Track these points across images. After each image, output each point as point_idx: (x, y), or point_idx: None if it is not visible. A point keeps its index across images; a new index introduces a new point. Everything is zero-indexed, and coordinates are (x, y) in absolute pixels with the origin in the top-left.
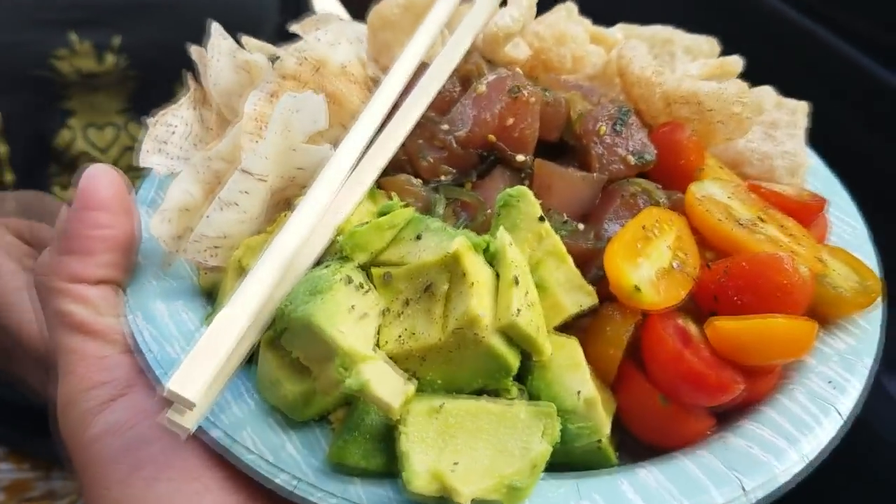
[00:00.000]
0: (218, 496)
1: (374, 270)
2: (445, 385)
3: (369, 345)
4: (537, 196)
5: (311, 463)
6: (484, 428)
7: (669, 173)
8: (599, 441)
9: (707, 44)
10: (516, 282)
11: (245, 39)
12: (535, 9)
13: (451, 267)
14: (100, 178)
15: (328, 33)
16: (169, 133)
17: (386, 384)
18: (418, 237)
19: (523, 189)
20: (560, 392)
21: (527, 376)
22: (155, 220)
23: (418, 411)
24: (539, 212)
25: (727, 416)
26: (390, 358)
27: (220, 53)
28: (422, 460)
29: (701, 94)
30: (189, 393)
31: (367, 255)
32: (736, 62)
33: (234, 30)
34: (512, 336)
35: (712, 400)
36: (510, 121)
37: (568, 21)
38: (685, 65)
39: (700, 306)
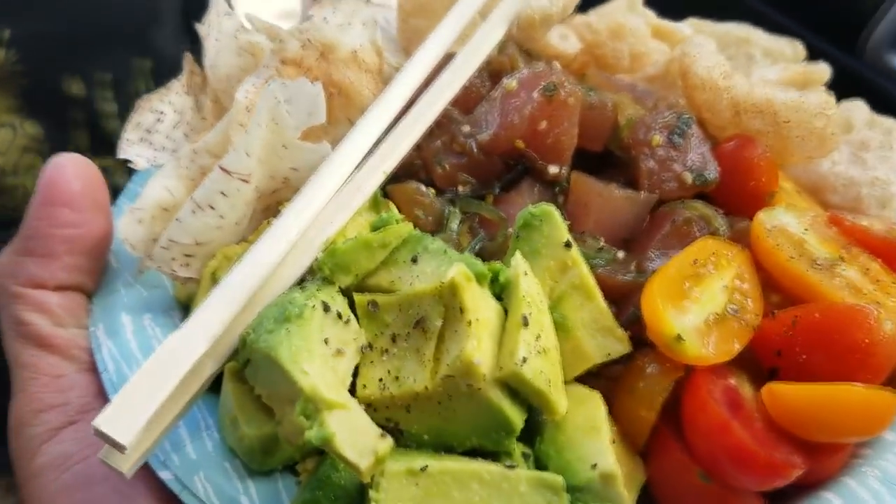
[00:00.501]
0: None
1: (359, 297)
2: (433, 441)
3: (342, 388)
4: (571, 216)
5: None
6: (473, 499)
7: (735, 196)
8: None
9: (790, 47)
10: (525, 322)
11: (249, 16)
12: None
13: (448, 299)
14: (66, 170)
15: (338, 13)
16: (155, 121)
17: (355, 439)
18: (414, 260)
19: (548, 208)
20: (573, 462)
21: (535, 437)
22: (125, 220)
23: (395, 473)
24: (565, 237)
25: (781, 498)
26: (369, 404)
27: (219, 33)
28: None
29: (777, 102)
30: (119, 433)
31: (352, 278)
32: (822, 70)
33: (129, 23)
34: (516, 388)
35: (762, 484)
36: (543, 125)
37: (628, 12)
38: (763, 69)
39: (760, 362)
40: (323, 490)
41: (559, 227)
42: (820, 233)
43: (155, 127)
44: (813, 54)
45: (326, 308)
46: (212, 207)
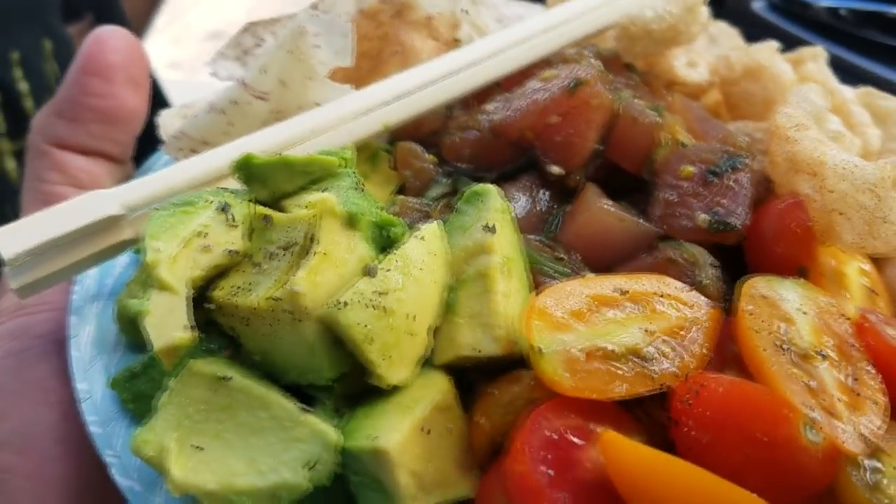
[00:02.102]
0: (54, 417)
1: (258, 209)
2: (261, 364)
3: (183, 277)
4: (564, 224)
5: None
6: (257, 425)
7: (766, 261)
8: None
9: None
10: (370, 273)
11: None
12: (698, 15)
13: (312, 228)
14: (106, 43)
15: None
16: (254, 45)
17: (165, 321)
18: (324, 191)
19: (489, 188)
20: (363, 428)
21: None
22: (170, 111)
23: (198, 371)
24: (492, 220)
25: None
26: (218, 307)
27: None
28: (166, 424)
29: (828, 165)
30: (5, 247)
31: (268, 193)
32: None
33: (29, 4)
34: (338, 335)
35: None
36: (554, 119)
37: (776, 55)
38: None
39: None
40: (147, 369)
41: (490, 210)
42: (822, 322)
43: (252, 50)
44: None
45: (224, 208)
46: (223, 112)
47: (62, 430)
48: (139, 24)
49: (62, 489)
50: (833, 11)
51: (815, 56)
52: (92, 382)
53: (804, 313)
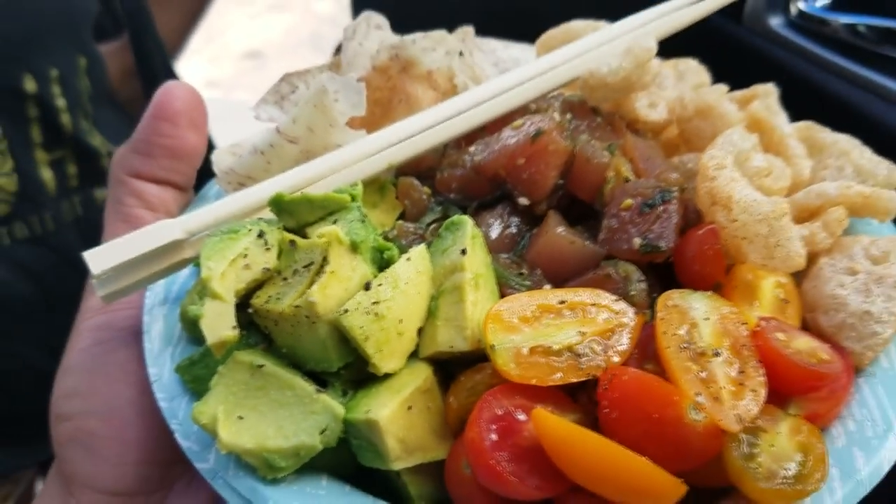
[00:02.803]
0: (133, 392)
1: (285, 235)
2: (288, 355)
3: (231, 289)
4: (530, 244)
5: (172, 370)
6: (284, 401)
7: (689, 278)
8: (398, 475)
9: (885, 170)
10: (366, 287)
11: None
12: (648, 68)
13: (326, 253)
14: (173, 93)
15: (427, 39)
16: (290, 91)
17: (216, 323)
18: (335, 222)
19: (464, 218)
20: (361, 404)
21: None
22: (222, 149)
23: (240, 360)
24: (465, 245)
25: None
26: (255, 311)
27: (364, 40)
28: (216, 400)
29: (733, 199)
30: (93, 263)
31: (294, 223)
32: (890, 198)
33: (68, 22)
34: (344, 334)
35: (492, 485)
36: (521, 161)
37: (722, 97)
38: (827, 183)
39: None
40: (206, 357)
41: (465, 236)
42: (721, 327)
43: (288, 96)
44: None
45: (260, 234)
46: (262, 153)
47: (138, 403)
48: (174, 45)
49: (138, 447)
50: (851, 28)
51: (766, 93)
52: (161, 368)
53: (707, 319)
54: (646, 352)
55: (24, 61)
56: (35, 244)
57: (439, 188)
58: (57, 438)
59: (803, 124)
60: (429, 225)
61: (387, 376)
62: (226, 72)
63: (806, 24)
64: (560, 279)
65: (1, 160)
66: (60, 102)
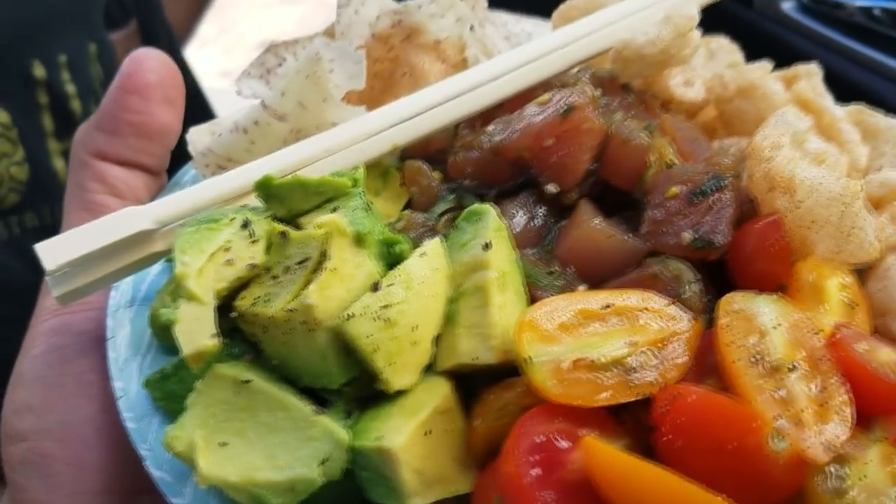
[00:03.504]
0: (93, 408)
1: (275, 226)
2: (280, 368)
3: (210, 289)
4: (558, 238)
5: (140, 383)
6: (274, 424)
7: (747, 277)
8: None
9: None
10: (375, 288)
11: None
12: (690, 39)
13: (325, 246)
14: (143, 64)
15: (435, 4)
16: (276, 63)
17: (193, 329)
18: (334, 210)
19: (486, 208)
20: (370, 430)
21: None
22: (199, 128)
23: (221, 374)
24: (488, 238)
25: None
26: (240, 315)
27: (361, 7)
28: (194, 422)
29: (797, 179)
30: (47, 259)
31: (286, 211)
32: None
33: (78, 7)
34: (347, 345)
35: None
36: (549, 142)
37: (768, 75)
38: (892, 170)
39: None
40: (179, 371)
41: (487, 228)
42: (794, 336)
43: (275, 69)
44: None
45: (245, 224)
46: (245, 132)
47: (100, 421)
48: (182, 32)
49: (99, 474)
50: (867, 11)
51: (809, 73)
52: (127, 381)
53: (777, 327)
54: (704, 365)
55: (33, 47)
56: (46, 234)
57: (452, 173)
58: (8, 461)
59: (854, 108)
60: (441, 215)
61: (398, 394)
62: (239, 62)
63: (819, 7)
64: (596, 279)
65: (11, 148)
66: (70, 89)
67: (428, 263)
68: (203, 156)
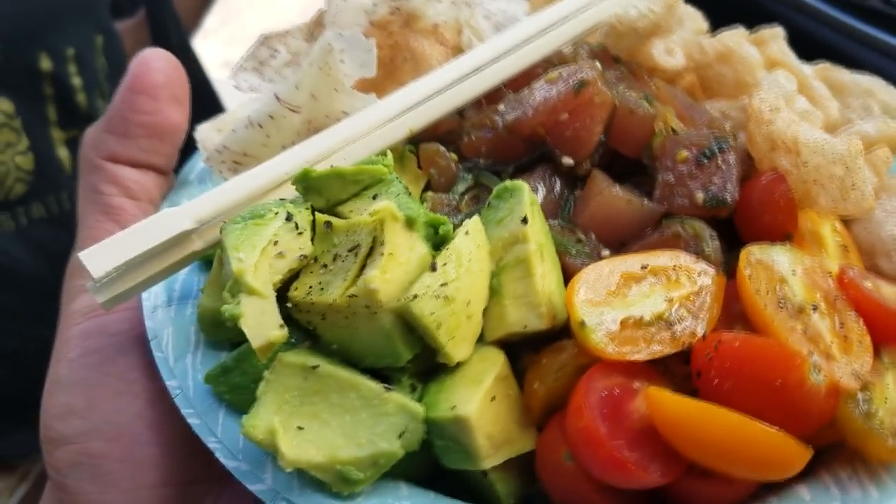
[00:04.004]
0: (140, 405)
1: (319, 216)
2: (340, 351)
3: (268, 282)
4: (576, 208)
5: (198, 380)
6: (348, 405)
7: (753, 230)
8: (485, 474)
9: None
10: (433, 268)
11: None
12: (678, 10)
13: (377, 232)
14: (151, 64)
15: None
16: (269, 56)
17: (259, 322)
18: (374, 197)
19: (519, 184)
20: (440, 401)
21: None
22: (207, 125)
23: (289, 363)
24: (525, 213)
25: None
26: (295, 305)
27: None
28: (268, 410)
29: (801, 142)
30: (93, 266)
31: (324, 202)
32: None
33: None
34: (410, 323)
35: (607, 476)
36: (563, 116)
37: (743, 40)
38: (864, 122)
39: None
40: (240, 363)
41: (522, 203)
42: (809, 279)
43: (268, 62)
44: None
45: (289, 217)
46: (260, 126)
47: (149, 417)
48: (190, 22)
49: (154, 469)
50: None
51: (774, 35)
52: (182, 379)
53: (794, 273)
54: (730, 313)
55: (41, 40)
56: (52, 224)
57: (467, 153)
58: (55, 465)
59: (820, 66)
60: (462, 195)
61: (457, 366)
62: (242, 53)
63: None
64: (616, 243)
65: (16, 138)
66: (76, 81)
67: (473, 241)
68: (218, 153)
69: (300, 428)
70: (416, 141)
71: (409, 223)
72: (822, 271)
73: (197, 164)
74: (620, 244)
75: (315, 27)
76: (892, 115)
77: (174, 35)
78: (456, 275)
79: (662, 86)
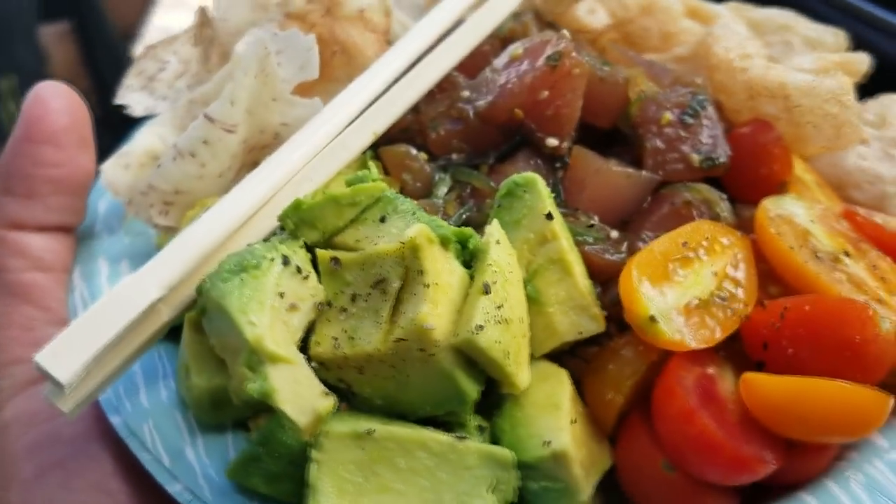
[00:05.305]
0: None
1: (321, 253)
2: (385, 406)
3: (290, 343)
4: (568, 192)
5: (211, 476)
6: (419, 467)
7: (746, 183)
8: None
9: (832, 36)
10: (487, 290)
11: None
12: None
13: (409, 261)
14: (49, 103)
15: None
16: (158, 69)
17: (298, 395)
18: (382, 220)
19: (532, 177)
20: (526, 438)
21: (493, 411)
22: (111, 164)
23: (339, 434)
24: (548, 208)
25: (755, 496)
26: (322, 363)
27: None
28: (330, 498)
29: (789, 85)
30: (59, 370)
31: (319, 234)
32: (861, 60)
33: None
34: (472, 357)
35: (727, 477)
36: (543, 94)
37: None
38: (798, 57)
39: (749, 354)
40: (267, 447)
41: (542, 198)
42: (828, 226)
43: (157, 76)
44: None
45: (286, 262)
46: (193, 155)
47: None
48: (125, 27)
49: None
50: None
51: None
52: (188, 480)
53: (812, 221)
54: (759, 274)
55: None
56: None
57: (436, 150)
58: None
59: (732, 4)
60: (446, 196)
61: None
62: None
63: None
64: (616, 221)
65: None
66: None
67: (505, 250)
68: (143, 195)
69: None
70: (372, 146)
71: (445, 243)
72: (834, 215)
73: (97, 207)
74: (622, 223)
75: (201, 29)
76: (814, 46)
77: (106, 39)
78: (505, 292)
79: (614, 48)
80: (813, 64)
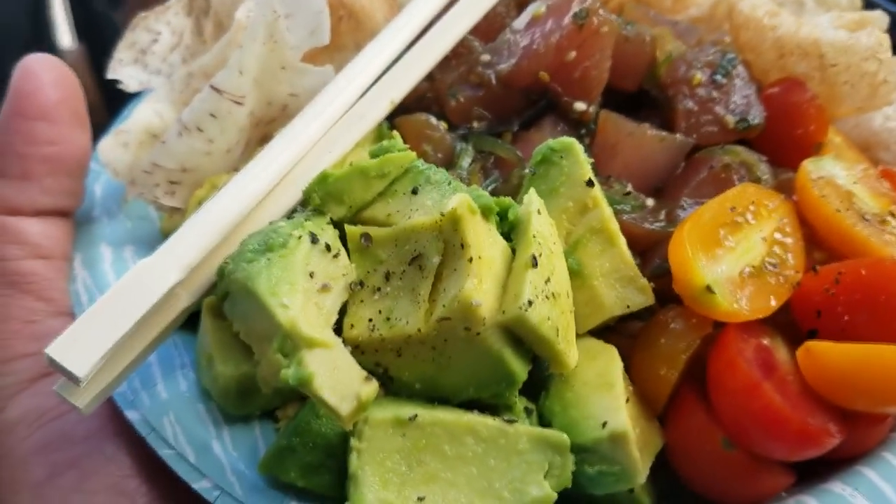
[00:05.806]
0: None
1: (351, 230)
2: (426, 390)
3: (325, 326)
4: (597, 159)
5: (240, 470)
6: (467, 454)
7: (780, 145)
8: (631, 490)
9: None
10: (534, 263)
11: None
12: None
13: (448, 234)
14: (41, 76)
15: None
16: (151, 41)
17: (337, 381)
18: (414, 191)
19: (570, 142)
20: (580, 419)
21: (540, 391)
22: (108, 143)
23: (380, 421)
24: (588, 174)
25: (811, 470)
26: (356, 346)
27: None
28: (374, 489)
29: (824, 43)
30: (74, 364)
31: (346, 209)
32: (879, 17)
33: None
34: (520, 335)
35: (793, 452)
36: (571, 55)
37: None
38: (814, 17)
39: (799, 323)
40: (301, 437)
41: (581, 164)
42: (870, 187)
43: (150, 48)
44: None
45: (314, 239)
46: (200, 130)
47: None
48: None
49: None
50: None
51: None
52: (217, 476)
53: (855, 182)
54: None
55: None
56: None
57: (456, 119)
58: None
59: None
60: (469, 167)
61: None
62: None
63: None
64: (650, 188)
65: None
66: None
67: (546, 220)
68: (147, 174)
69: (420, 499)
70: (387, 117)
71: (486, 213)
72: (873, 175)
73: (93, 190)
74: (654, 189)
75: None
76: (828, 7)
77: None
78: (551, 265)
79: (634, 7)
80: (832, 23)
